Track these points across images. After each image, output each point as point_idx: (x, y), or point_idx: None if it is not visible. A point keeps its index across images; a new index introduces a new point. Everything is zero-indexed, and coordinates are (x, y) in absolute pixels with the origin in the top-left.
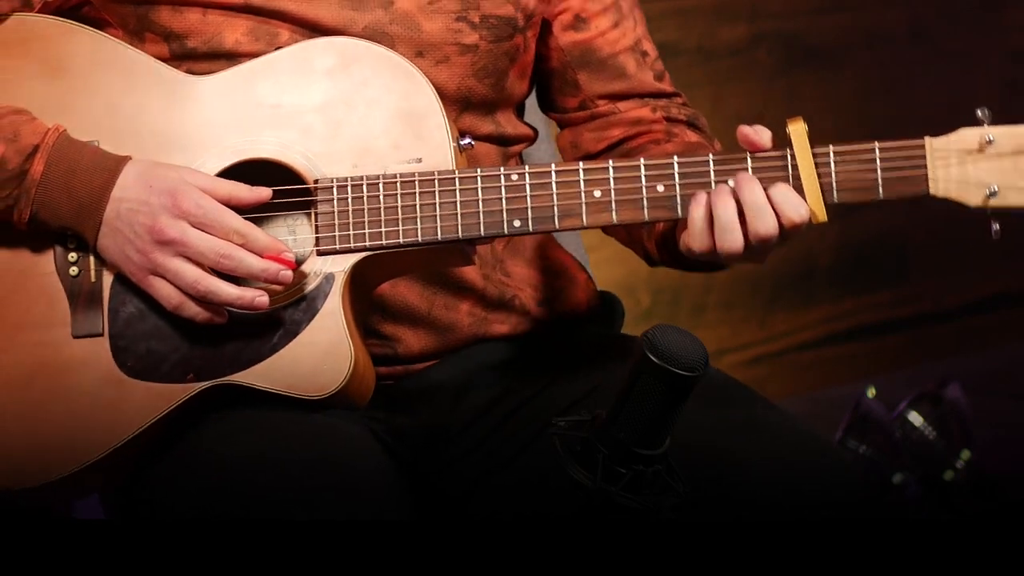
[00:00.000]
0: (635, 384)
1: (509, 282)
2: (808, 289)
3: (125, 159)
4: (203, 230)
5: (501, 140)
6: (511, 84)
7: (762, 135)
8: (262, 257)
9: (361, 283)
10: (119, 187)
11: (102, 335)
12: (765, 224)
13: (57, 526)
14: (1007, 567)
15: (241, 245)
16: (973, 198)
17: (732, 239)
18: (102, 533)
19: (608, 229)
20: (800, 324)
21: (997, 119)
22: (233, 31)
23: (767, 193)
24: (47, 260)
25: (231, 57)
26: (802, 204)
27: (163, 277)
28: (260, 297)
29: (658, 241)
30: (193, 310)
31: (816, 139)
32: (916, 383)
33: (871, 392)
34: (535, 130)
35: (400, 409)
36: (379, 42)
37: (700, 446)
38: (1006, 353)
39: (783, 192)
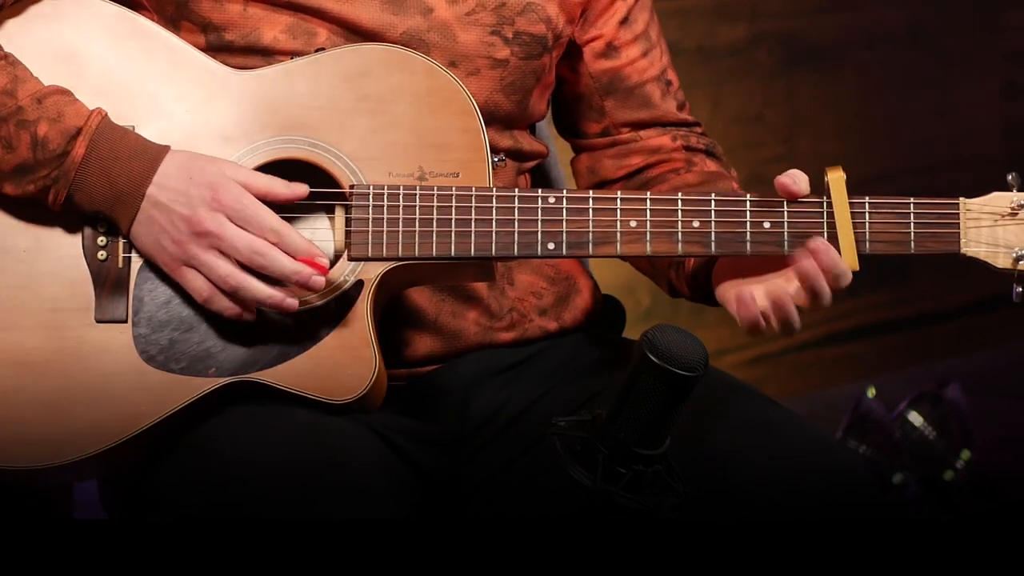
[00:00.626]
0: (635, 384)
1: (513, 292)
2: None
3: (165, 149)
4: (240, 226)
5: (518, 155)
6: (534, 103)
7: (800, 183)
8: (295, 259)
9: (384, 291)
10: (159, 175)
11: (125, 322)
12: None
13: (57, 526)
14: (1007, 567)
15: (275, 244)
16: (1001, 260)
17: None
18: (102, 533)
19: (632, 258)
20: (800, 324)
21: (996, 119)
22: (272, 27)
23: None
24: (75, 242)
25: (267, 53)
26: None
27: (196, 269)
28: (289, 299)
29: (689, 281)
30: (222, 304)
31: (816, 138)
32: (916, 383)
33: (871, 392)
34: (547, 147)
35: (409, 412)
36: (415, 48)
37: (701, 446)
38: (1006, 353)
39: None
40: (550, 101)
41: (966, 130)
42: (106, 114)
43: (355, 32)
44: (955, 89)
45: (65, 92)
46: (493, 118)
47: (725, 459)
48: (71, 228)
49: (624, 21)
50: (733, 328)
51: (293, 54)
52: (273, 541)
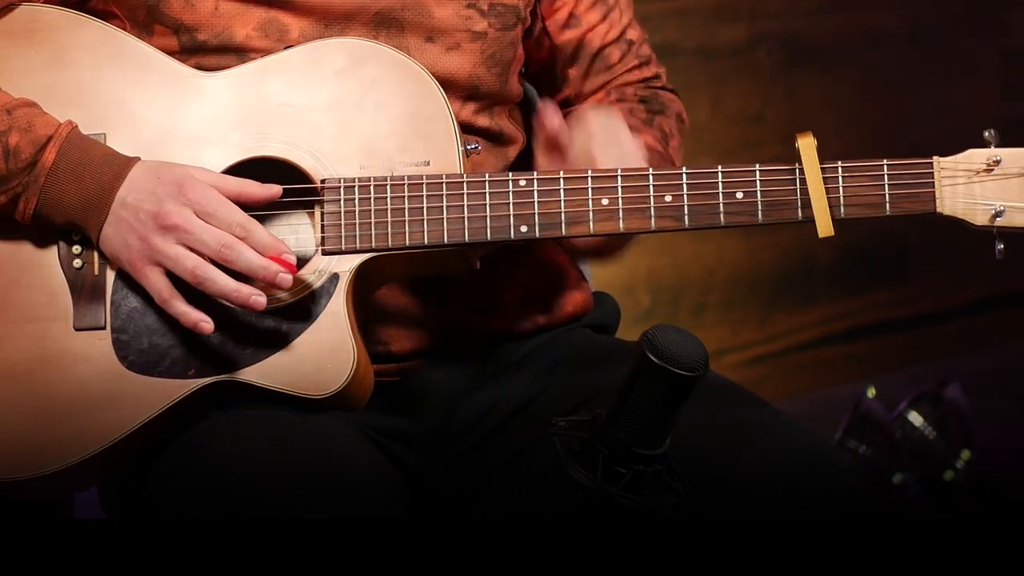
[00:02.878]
0: (635, 384)
1: (500, 284)
2: (808, 289)
3: (135, 159)
4: (207, 220)
5: (499, 138)
6: (512, 80)
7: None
8: (263, 256)
9: (363, 285)
10: (129, 180)
11: (104, 328)
12: None
13: (57, 526)
14: (1007, 567)
15: (243, 239)
16: (979, 218)
17: None
18: (102, 533)
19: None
20: (800, 324)
21: (996, 120)
22: (244, 25)
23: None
24: (50, 252)
25: (240, 52)
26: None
27: (161, 265)
28: (257, 296)
29: None
30: (180, 308)
31: (816, 138)
32: (916, 383)
33: (871, 392)
34: (525, 136)
35: (398, 411)
36: (389, 27)
37: (700, 446)
38: (1006, 353)
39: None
40: (522, 81)
41: (966, 130)
42: (76, 125)
43: (329, 18)
44: (955, 89)
45: (33, 105)
46: (477, 94)
47: (725, 459)
48: (46, 239)
49: None
50: (733, 328)
51: (265, 53)
52: (271, 541)
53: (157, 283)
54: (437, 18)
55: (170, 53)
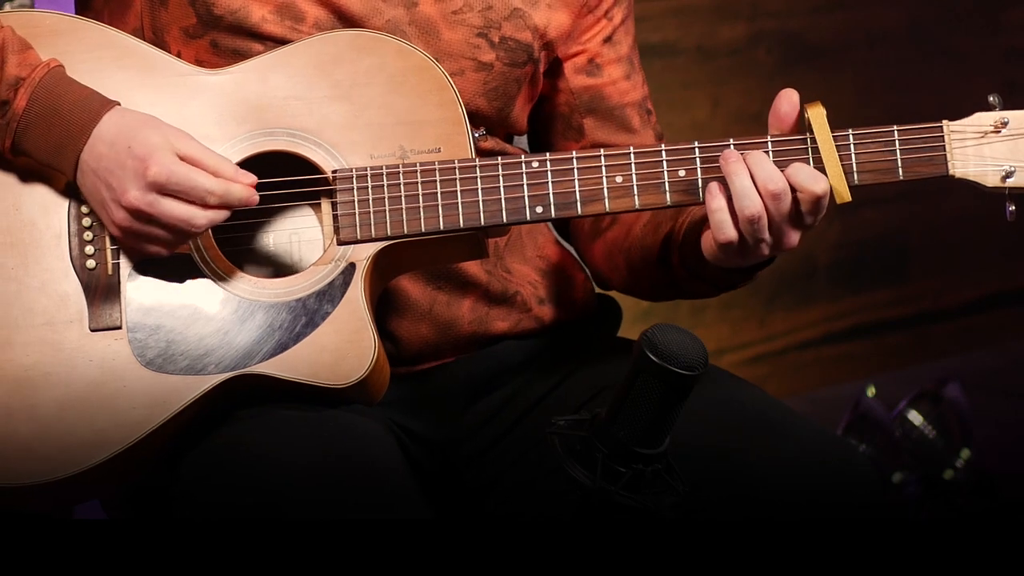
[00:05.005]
0: (634, 383)
1: (512, 279)
2: (808, 288)
3: (108, 106)
4: (177, 198)
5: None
6: (516, 114)
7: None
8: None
9: (379, 275)
10: (94, 138)
11: (120, 328)
12: (775, 184)
13: (57, 526)
14: (1007, 567)
15: (219, 205)
16: (991, 179)
17: (751, 203)
18: (102, 533)
19: (618, 269)
20: (800, 323)
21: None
22: (261, 6)
23: (784, 172)
24: (62, 253)
25: (254, 35)
26: (820, 176)
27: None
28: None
29: (681, 245)
30: (210, 215)
31: None
32: (916, 382)
33: (871, 391)
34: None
35: (410, 410)
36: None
37: (701, 444)
38: (1006, 353)
39: (798, 167)
40: (530, 120)
41: None
42: (59, 66)
43: (342, 16)
44: (955, 89)
45: (22, 41)
46: (473, 121)
47: (726, 458)
48: (57, 240)
49: (608, 40)
50: (733, 327)
51: (279, 39)
52: (301, 542)
53: (151, 249)
54: (445, 40)
55: (186, 28)
